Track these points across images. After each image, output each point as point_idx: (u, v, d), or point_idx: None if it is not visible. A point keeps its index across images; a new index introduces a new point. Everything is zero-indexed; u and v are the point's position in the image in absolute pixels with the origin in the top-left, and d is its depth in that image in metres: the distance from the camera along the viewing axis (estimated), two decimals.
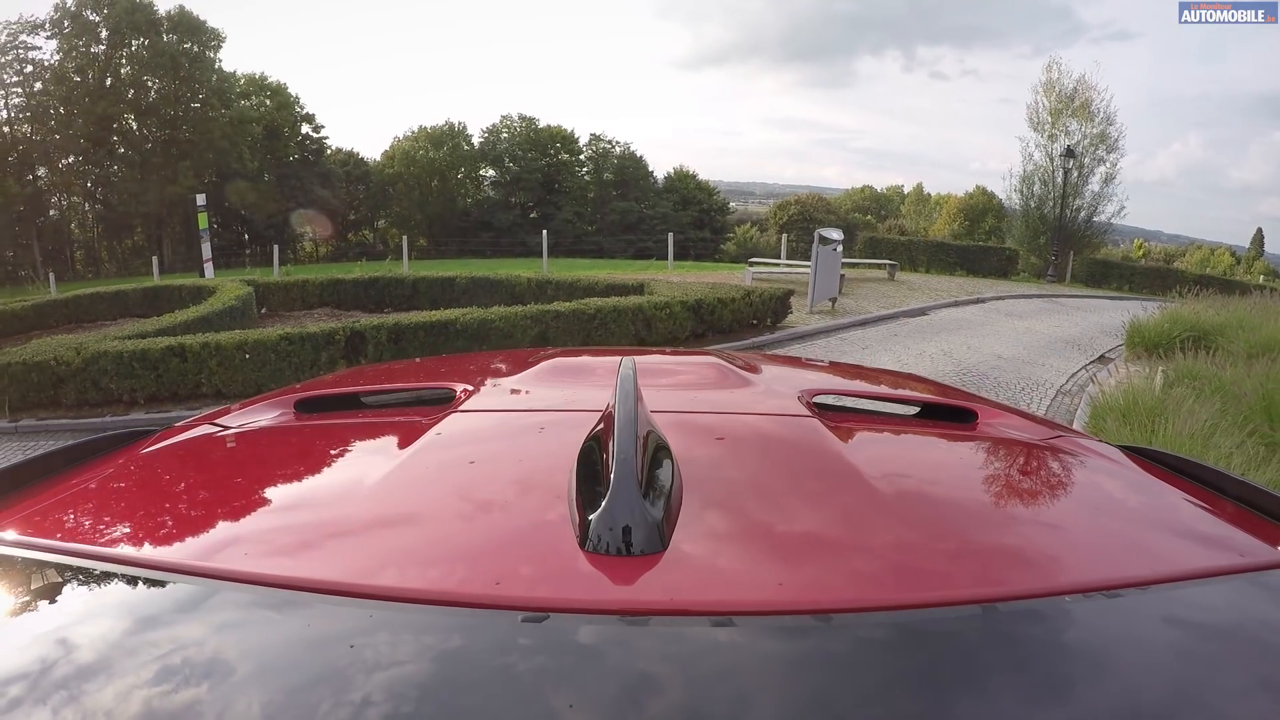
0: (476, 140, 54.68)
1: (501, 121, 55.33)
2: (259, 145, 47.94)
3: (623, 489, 0.74)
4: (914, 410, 1.61)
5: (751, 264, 20.50)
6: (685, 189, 54.39)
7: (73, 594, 0.77)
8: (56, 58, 43.75)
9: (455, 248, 37.65)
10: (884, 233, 38.33)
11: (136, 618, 0.69)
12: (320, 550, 0.81)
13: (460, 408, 1.30)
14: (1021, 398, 9.37)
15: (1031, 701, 0.62)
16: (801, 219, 43.90)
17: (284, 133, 50.57)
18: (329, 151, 52.67)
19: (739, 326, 12.19)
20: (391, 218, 52.68)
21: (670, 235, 24.98)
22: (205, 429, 1.32)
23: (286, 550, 0.81)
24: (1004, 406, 1.54)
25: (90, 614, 0.72)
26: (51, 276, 28.15)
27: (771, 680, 0.61)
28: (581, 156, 56.22)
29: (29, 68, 43.29)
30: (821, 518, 0.90)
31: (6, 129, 43.67)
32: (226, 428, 1.31)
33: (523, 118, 55.48)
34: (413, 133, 54.05)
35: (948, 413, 1.51)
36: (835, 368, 2.19)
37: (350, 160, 53.02)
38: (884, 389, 1.86)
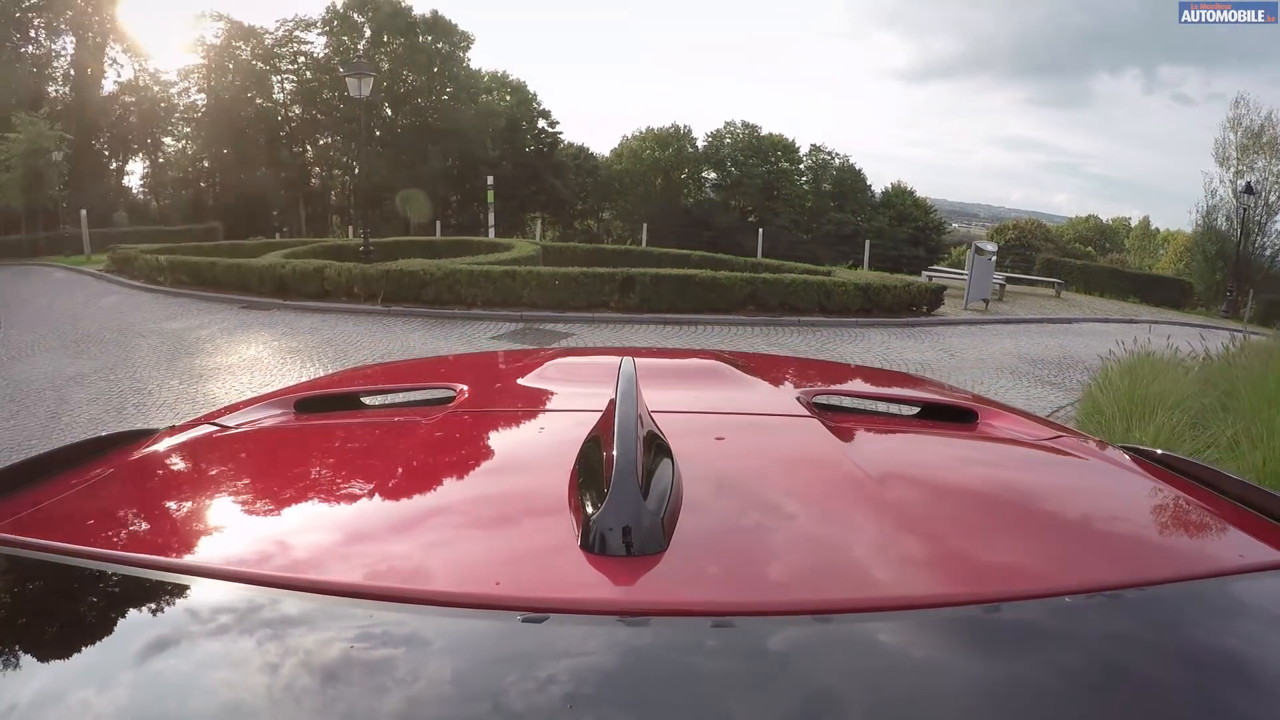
0: (700, 143, 59.24)
1: (725, 127, 59.61)
2: (500, 136, 55.22)
3: (623, 489, 0.77)
4: (914, 410, 1.68)
5: (928, 270, 24.89)
6: (902, 205, 56.24)
7: (72, 594, 0.81)
8: (325, 51, 54.25)
9: (674, 242, 41.71)
10: (1105, 263, 40.29)
11: (136, 618, 0.74)
12: (320, 551, 0.85)
13: (460, 408, 1.38)
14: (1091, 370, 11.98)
15: (1032, 701, 0.65)
16: (1018, 244, 45.14)
17: (522, 126, 57.77)
18: (562, 145, 59.41)
19: (899, 309, 16.80)
20: (616, 210, 58.70)
21: (867, 241, 29.59)
22: (205, 429, 1.37)
23: (286, 551, 0.85)
24: (1005, 406, 1.60)
25: (90, 614, 0.76)
26: (351, 229, 36.84)
27: (772, 680, 0.63)
28: (801, 166, 59.19)
29: (301, 58, 54.49)
30: (822, 518, 0.95)
31: (282, 109, 54.35)
32: (226, 428, 1.37)
33: (745, 124, 59.44)
34: (640, 133, 59.67)
35: (948, 413, 1.59)
36: (836, 368, 2.45)
37: (581, 155, 59.48)
38: (884, 389, 2.00)
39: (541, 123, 59.87)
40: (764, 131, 59.33)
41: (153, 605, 0.76)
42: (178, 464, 1.26)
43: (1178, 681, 0.69)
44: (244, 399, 1.60)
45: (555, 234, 55.06)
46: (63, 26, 50.74)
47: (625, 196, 58.22)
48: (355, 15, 53.84)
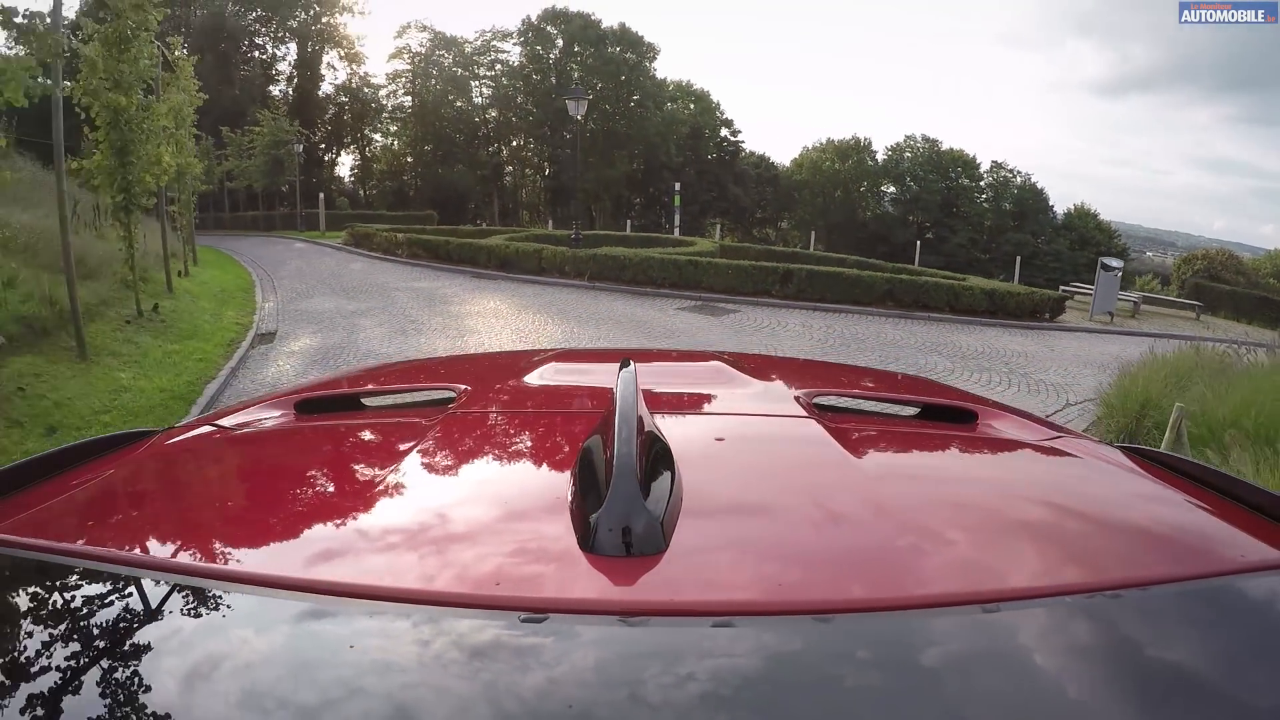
0: (880, 156, 61.65)
1: (905, 141, 61.83)
2: (683, 143, 59.88)
3: (623, 489, 0.80)
4: (914, 411, 1.73)
5: (1065, 286, 27.29)
6: (1084, 228, 55.81)
7: (72, 594, 0.82)
8: (520, 60, 61.08)
9: (849, 253, 42.51)
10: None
11: (135, 618, 0.75)
12: (320, 551, 0.87)
13: (460, 409, 1.42)
14: None
15: (1031, 701, 0.66)
16: (1206, 275, 44.66)
17: (705, 134, 62.32)
18: (743, 154, 63.40)
19: (1022, 314, 19.49)
20: (795, 220, 61.90)
21: (1019, 257, 31.77)
22: (205, 430, 1.41)
23: (286, 551, 0.89)
24: (1004, 407, 1.65)
25: (89, 614, 0.76)
26: (550, 221, 42.93)
27: (772, 680, 0.65)
28: (981, 183, 59.91)
29: (498, 66, 61.59)
30: (821, 518, 0.98)
31: (479, 112, 62.00)
32: (227, 429, 1.41)
33: (925, 139, 61.36)
34: (821, 144, 63.00)
35: (948, 413, 1.63)
36: (837, 369, 2.48)
37: (761, 164, 63.41)
38: (884, 390, 2.05)
39: (724, 131, 64.09)
40: (944, 146, 61.18)
41: (152, 605, 0.78)
42: (178, 464, 1.30)
43: (1177, 681, 0.71)
44: (246, 399, 1.65)
45: (734, 240, 57.45)
46: (286, 36, 60.30)
47: (805, 207, 61.00)
48: (549, 27, 60.19)
